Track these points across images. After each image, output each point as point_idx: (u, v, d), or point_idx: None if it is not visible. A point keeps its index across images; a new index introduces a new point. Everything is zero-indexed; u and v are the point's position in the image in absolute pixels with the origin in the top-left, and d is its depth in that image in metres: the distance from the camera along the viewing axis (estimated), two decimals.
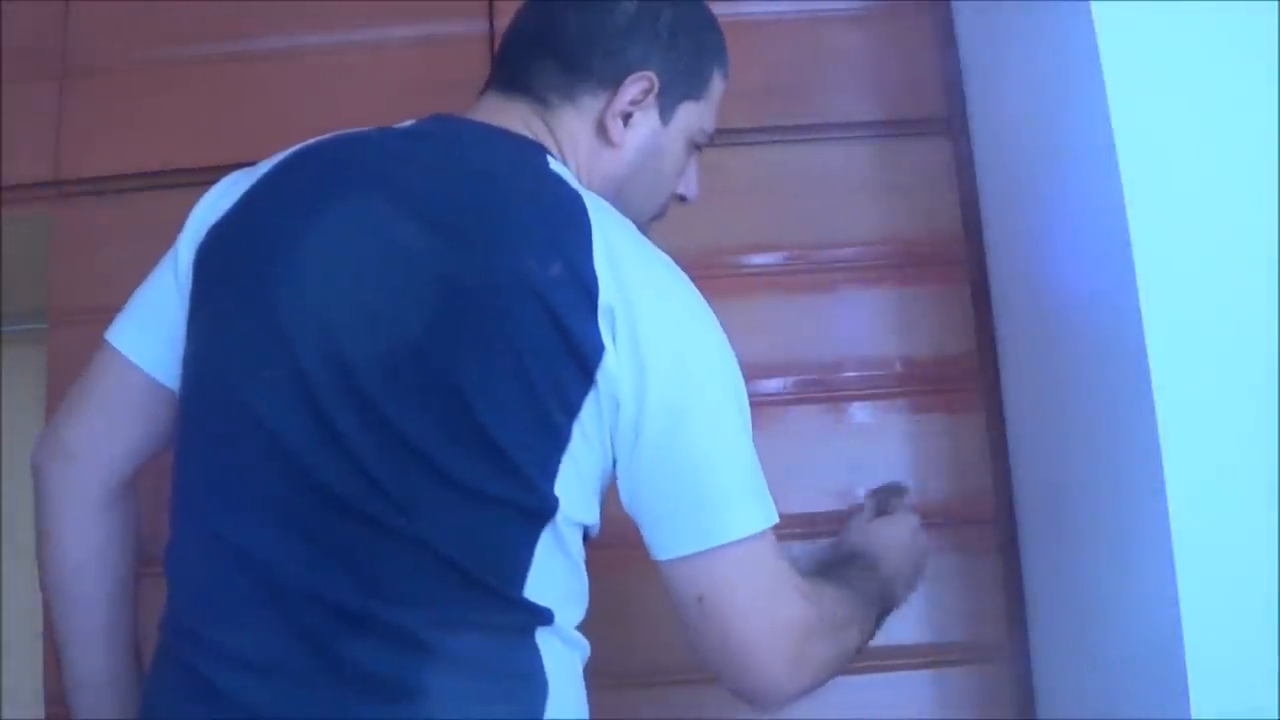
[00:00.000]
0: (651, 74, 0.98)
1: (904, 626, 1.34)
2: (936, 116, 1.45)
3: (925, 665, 1.35)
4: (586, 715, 0.90)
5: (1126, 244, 0.95)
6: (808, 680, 0.91)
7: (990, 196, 1.38)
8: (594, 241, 0.86)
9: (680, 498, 0.87)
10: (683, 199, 1.09)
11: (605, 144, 0.99)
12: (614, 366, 0.84)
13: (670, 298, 0.90)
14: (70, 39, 1.47)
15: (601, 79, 0.97)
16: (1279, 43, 0.95)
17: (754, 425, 1.41)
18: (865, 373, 1.41)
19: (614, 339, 0.84)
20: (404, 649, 0.82)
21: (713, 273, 1.42)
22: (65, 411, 0.99)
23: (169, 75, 1.45)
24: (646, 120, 1.00)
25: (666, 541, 0.88)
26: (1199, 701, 0.90)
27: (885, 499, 1.17)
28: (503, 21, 1.45)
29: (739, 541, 0.86)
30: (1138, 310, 0.94)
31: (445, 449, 0.84)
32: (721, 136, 1.45)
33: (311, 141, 0.98)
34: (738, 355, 1.38)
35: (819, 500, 1.37)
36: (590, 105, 0.98)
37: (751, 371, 1.38)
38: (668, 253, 0.96)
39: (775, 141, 1.45)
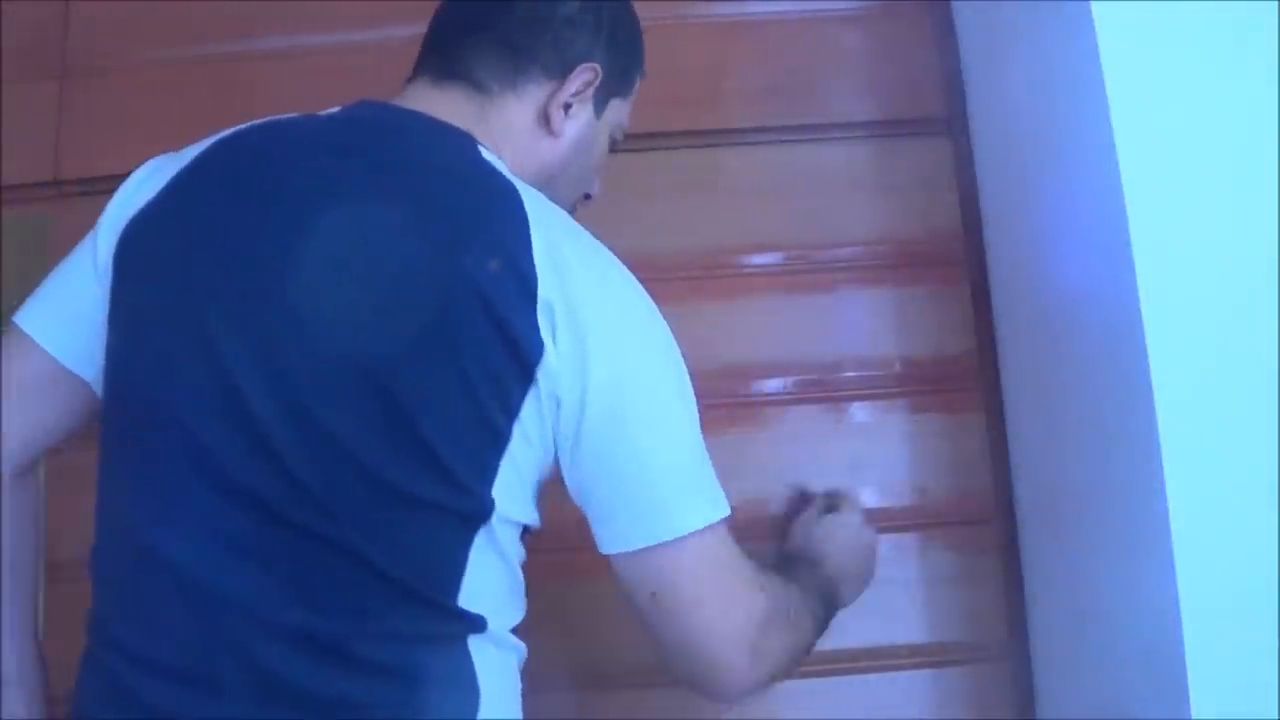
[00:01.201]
0: (596, 66, 0.98)
1: (904, 626, 1.35)
2: (936, 116, 1.45)
3: (925, 665, 1.35)
4: (519, 718, 0.89)
5: (1126, 244, 0.95)
6: (767, 671, 0.91)
7: (990, 196, 1.38)
8: (532, 235, 0.84)
9: (627, 493, 0.86)
10: (587, 197, 1.08)
11: (546, 133, 0.98)
12: (554, 363, 0.82)
13: (611, 292, 0.88)
14: (70, 39, 1.47)
15: (548, 68, 0.97)
16: (1279, 43, 0.95)
17: (754, 425, 1.42)
18: (865, 373, 1.41)
19: (554, 335, 0.83)
20: (329, 660, 0.81)
21: (713, 273, 1.44)
22: None
23: (169, 75, 1.45)
24: (583, 112, 1.00)
25: (615, 537, 0.87)
26: (1199, 701, 0.90)
27: (832, 500, 1.18)
28: None
29: (689, 536, 0.85)
30: (1138, 310, 0.94)
31: (378, 452, 0.82)
32: (722, 136, 1.46)
33: (236, 129, 0.95)
34: (738, 355, 1.39)
35: None
36: (534, 93, 0.97)
37: (751, 371, 1.40)
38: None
39: (775, 141, 1.45)
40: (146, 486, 0.87)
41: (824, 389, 1.40)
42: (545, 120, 0.97)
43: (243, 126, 0.95)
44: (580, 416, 0.84)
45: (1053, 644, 1.27)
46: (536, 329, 0.82)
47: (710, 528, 0.87)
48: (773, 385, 1.40)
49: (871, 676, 1.33)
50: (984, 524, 1.37)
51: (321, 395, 0.82)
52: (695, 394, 0.91)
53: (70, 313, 0.94)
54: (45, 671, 0.98)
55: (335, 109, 0.97)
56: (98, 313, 0.92)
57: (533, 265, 0.83)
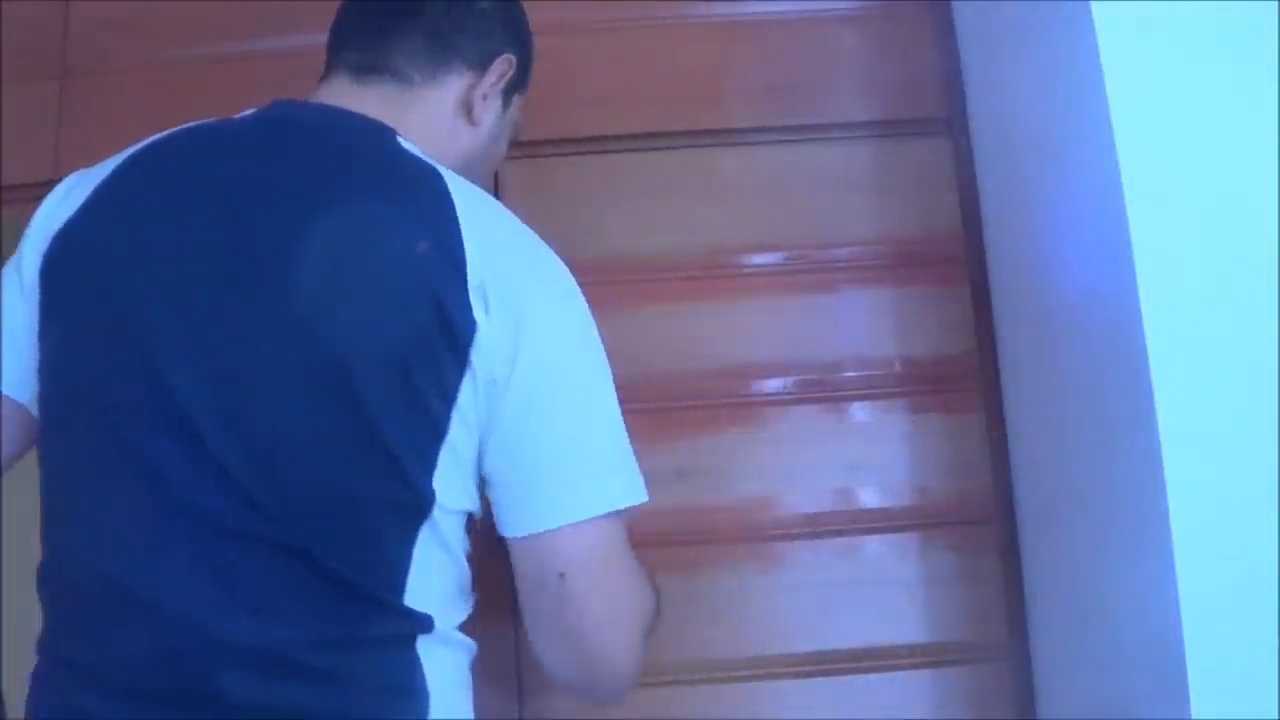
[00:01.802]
0: (512, 57, 1.01)
1: (904, 626, 1.35)
2: (936, 116, 1.45)
3: (925, 665, 1.35)
4: (470, 716, 0.89)
5: (1126, 244, 0.95)
6: (637, 666, 0.91)
7: (990, 196, 1.38)
8: (459, 216, 0.85)
9: (549, 469, 0.86)
10: None
11: (467, 122, 1.00)
12: (487, 340, 0.82)
13: (540, 272, 0.89)
14: (70, 39, 1.47)
15: (468, 59, 1.00)
16: (1279, 43, 0.95)
17: (754, 425, 1.42)
18: (865, 373, 1.41)
19: (487, 311, 0.83)
20: (278, 671, 0.81)
21: (713, 273, 1.44)
22: None
23: (169, 75, 1.45)
24: (495, 105, 1.02)
25: (529, 516, 0.86)
26: (1199, 701, 0.90)
27: None
28: None
29: (606, 516, 0.86)
30: (1138, 310, 0.94)
31: (325, 455, 0.82)
32: (722, 136, 1.46)
33: (154, 139, 0.95)
34: (738, 355, 1.39)
35: (819, 500, 1.37)
36: (455, 84, 0.99)
37: (751, 371, 1.40)
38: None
39: (775, 141, 1.45)
40: (89, 503, 0.86)
41: (824, 389, 1.40)
42: (466, 109, 1.00)
43: (160, 135, 0.95)
44: (505, 393, 0.84)
45: (1053, 644, 1.27)
46: (469, 307, 0.82)
47: (621, 513, 0.87)
48: (773, 385, 1.40)
49: (871, 676, 1.33)
50: (984, 524, 1.37)
51: (266, 402, 0.82)
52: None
53: (1, 339, 0.92)
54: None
55: (250, 111, 0.97)
56: (28, 336, 0.91)
57: (461, 245, 0.84)
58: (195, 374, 0.83)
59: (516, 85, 1.05)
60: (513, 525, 0.87)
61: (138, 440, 0.83)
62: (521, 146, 1.42)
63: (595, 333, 0.91)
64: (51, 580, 0.88)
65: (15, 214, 1.43)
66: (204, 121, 0.96)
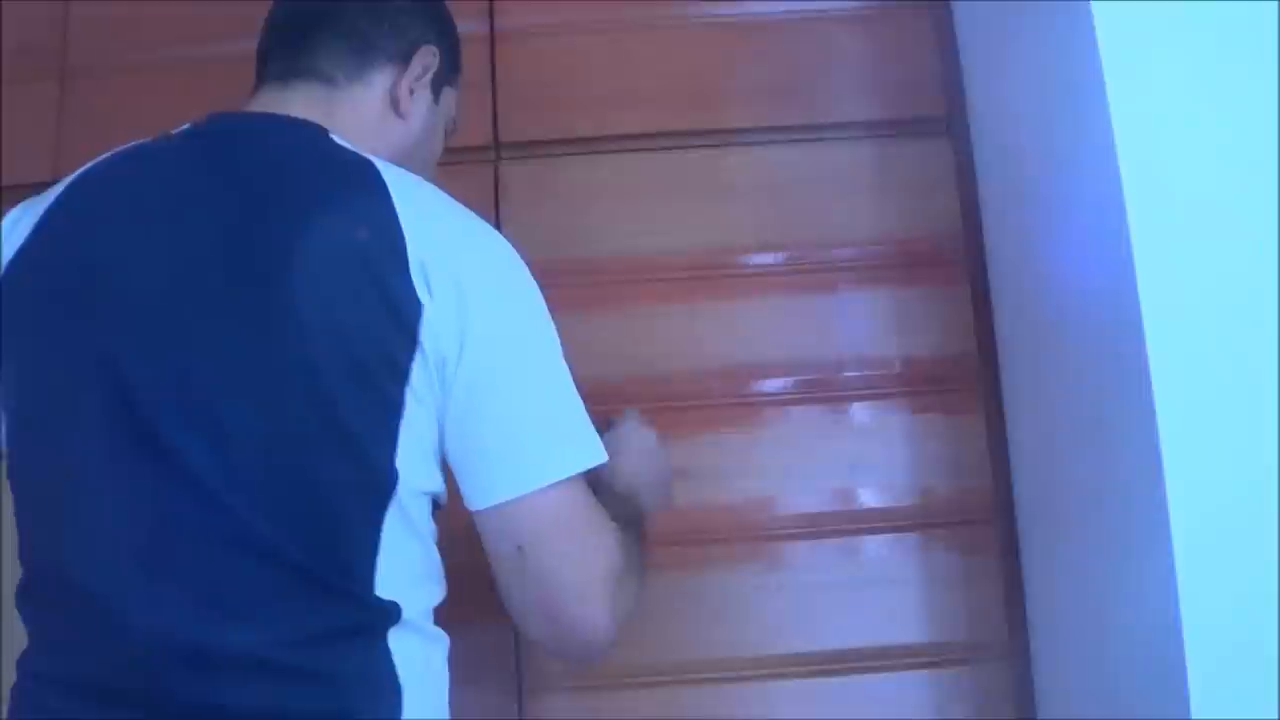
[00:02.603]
0: (435, 48, 1.02)
1: (904, 626, 1.35)
2: (936, 116, 1.45)
3: (925, 665, 1.35)
4: (445, 713, 0.90)
5: (1126, 244, 0.95)
6: (617, 624, 0.91)
7: (990, 196, 1.38)
8: (394, 200, 0.86)
9: (500, 443, 0.87)
10: None
11: (396, 117, 1.01)
12: (434, 319, 0.84)
13: (481, 247, 0.91)
14: (70, 39, 1.47)
15: (390, 54, 1.01)
16: (1279, 43, 0.95)
17: (754, 425, 1.42)
18: (865, 373, 1.41)
19: (430, 291, 0.84)
20: (248, 673, 0.81)
21: (713, 273, 1.44)
22: None
23: (169, 75, 1.45)
24: (424, 98, 1.03)
25: (484, 490, 0.87)
26: (1199, 701, 0.90)
27: (610, 418, 1.16)
28: (503, 22, 1.46)
29: (557, 484, 0.86)
30: (1138, 310, 0.94)
31: (287, 442, 0.83)
32: (722, 136, 1.46)
33: (95, 162, 0.97)
34: (738, 355, 1.39)
35: (819, 500, 1.37)
36: (380, 81, 1.00)
37: (751, 371, 1.40)
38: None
39: (775, 141, 1.45)
40: (59, 516, 0.87)
41: (824, 389, 1.40)
42: (394, 104, 1.01)
43: (100, 159, 0.97)
44: (456, 370, 0.85)
45: (1053, 644, 1.27)
46: (412, 288, 0.84)
47: (573, 478, 0.88)
48: (773, 385, 1.40)
49: (871, 676, 1.33)
50: (984, 524, 1.37)
51: (225, 398, 0.83)
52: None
53: None
54: None
55: (186, 125, 0.98)
56: None
57: (399, 227, 0.85)
58: (156, 376, 0.84)
59: (445, 77, 1.06)
60: (471, 500, 0.88)
61: (103, 448, 0.84)
62: (521, 146, 1.43)
63: (538, 301, 0.92)
64: (27, 595, 0.89)
65: None
66: (141, 141, 0.98)
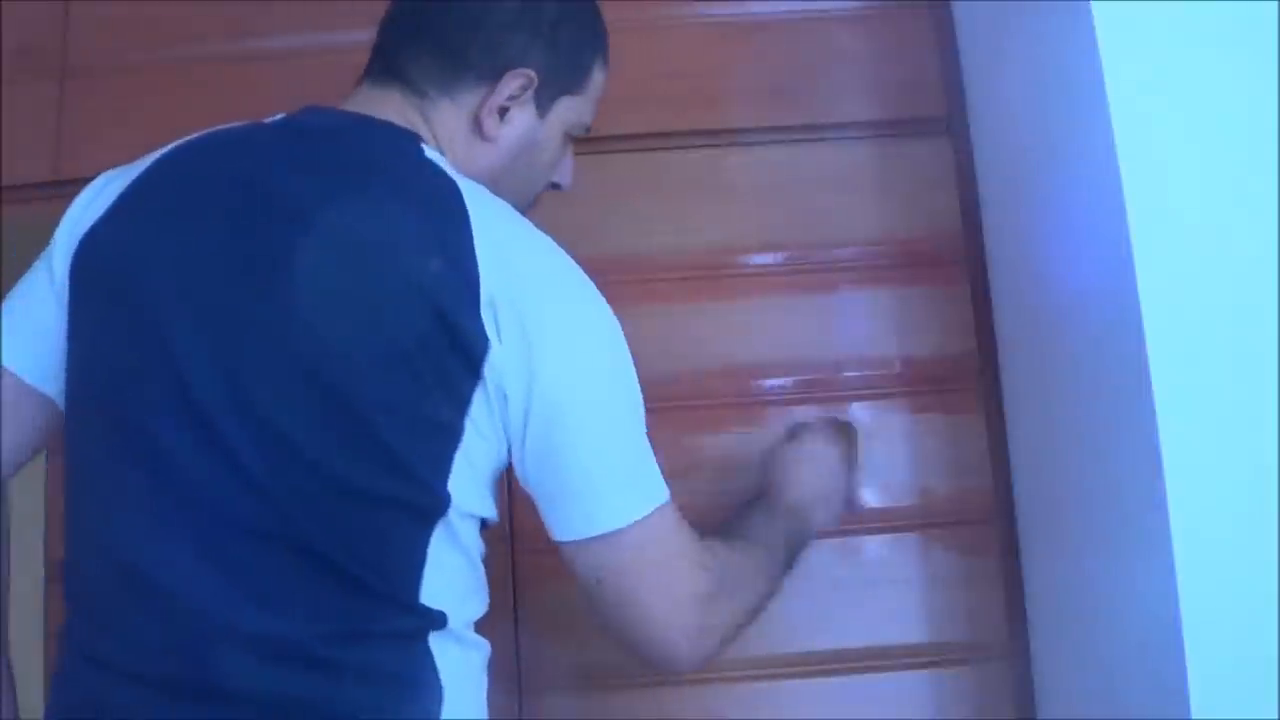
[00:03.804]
0: (530, 71, 0.97)
1: (904, 626, 1.35)
2: (936, 116, 1.45)
3: (925, 665, 1.35)
4: (485, 717, 0.90)
5: (1126, 244, 0.95)
6: (712, 647, 0.92)
7: (990, 196, 1.38)
8: (474, 232, 0.85)
9: (569, 487, 0.87)
10: (556, 187, 1.09)
11: (480, 138, 0.98)
12: (500, 360, 0.83)
13: (556, 286, 0.89)
14: (70, 39, 1.47)
15: (480, 74, 0.97)
16: (1279, 43, 0.95)
17: (754, 425, 1.41)
18: (865, 373, 1.41)
19: (499, 332, 0.83)
20: (291, 663, 0.82)
21: (713, 273, 1.44)
22: None
23: (169, 75, 1.45)
24: (523, 115, 0.99)
25: (560, 526, 0.88)
26: (1199, 701, 0.90)
27: (796, 428, 1.17)
28: None
29: (629, 526, 0.87)
30: (1138, 310, 0.94)
31: (334, 453, 0.83)
32: (722, 136, 1.46)
33: (183, 142, 0.96)
34: (738, 355, 1.39)
35: None
36: (467, 100, 0.97)
37: (751, 371, 1.40)
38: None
39: (775, 141, 1.45)
40: (111, 499, 0.88)
41: (824, 389, 1.40)
42: (478, 126, 0.97)
43: (190, 138, 0.96)
44: (527, 412, 0.85)
45: (1053, 644, 1.27)
46: (481, 325, 0.83)
47: (649, 515, 0.88)
48: (773, 385, 1.40)
49: (871, 676, 1.33)
50: (984, 524, 1.37)
51: (277, 399, 0.84)
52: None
53: (31, 331, 0.94)
54: (13, 687, 0.98)
55: (280, 115, 0.98)
56: (58, 330, 0.92)
57: (475, 262, 0.84)
58: (211, 373, 0.84)
59: (564, 88, 1.01)
60: (551, 530, 0.90)
61: (156, 435, 0.85)
62: None
63: (616, 343, 0.91)
64: (73, 574, 0.90)
65: (15, 214, 1.43)
66: (234, 125, 0.97)
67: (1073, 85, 1.04)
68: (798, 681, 1.33)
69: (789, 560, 1.04)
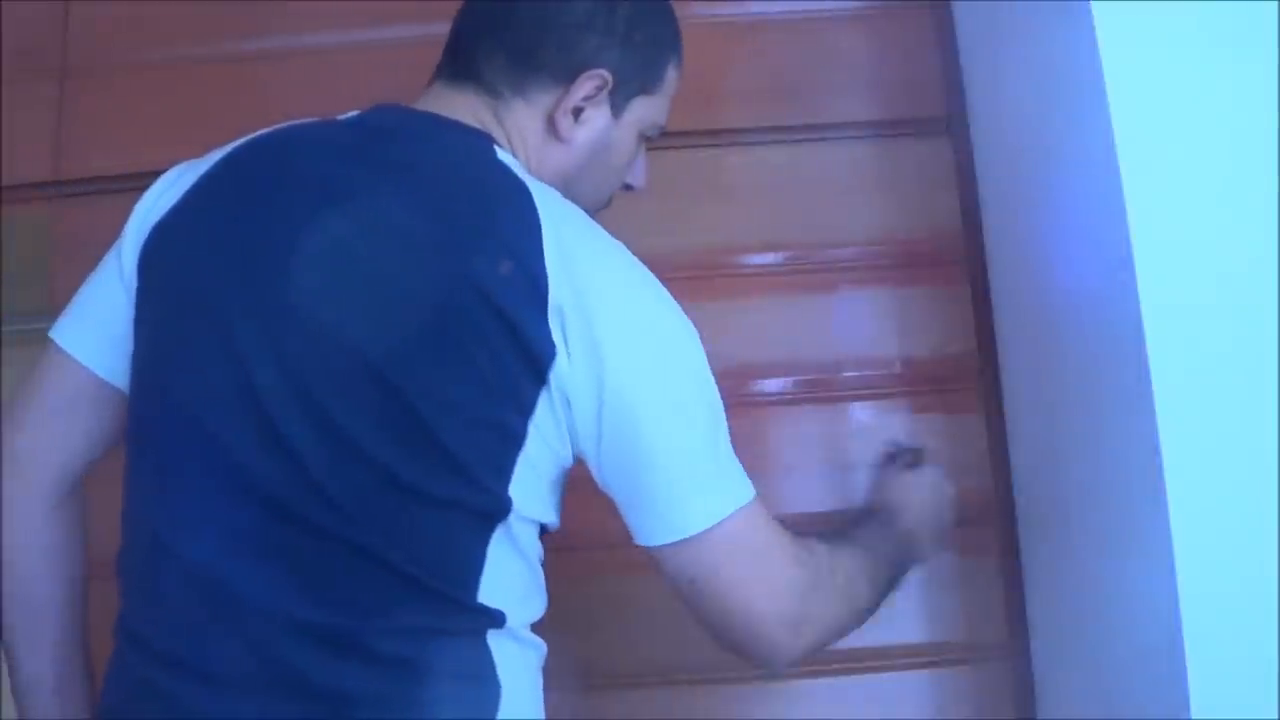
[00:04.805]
0: (605, 71, 0.96)
1: (904, 626, 1.35)
2: (936, 116, 1.45)
3: (925, 665, 1.35)
4: (540, 714, 0.90)
5: (1126, 244, 0.95)
6: (814, 638, 0.92)
7: (990, 196, 1.38)
8: (544, 236, 0.84)
9: (649, 492, 0.87)
10: (629, 188, 1.08)
11: (554, 139, 0.97)
12: (565, 367, 0.83)
13: (625, 293, 0.88)
14: (70, 39, 1.47)
15: (554, 74, 0.96)
16: (1279, 43, 0.95)
17: (755, 425, 1.41)
18: (865, 373, 1.41)
19: (565, 339, 0.83)
20: (348, 656, 0.82)
21: (713, 273, 1.44)
22: (11, 415, 0.97)
23: (169, 75, 1.45)
24: (598, 115, 0.98)
25: (645, 531, 0.88)
26: (1199, 701, 0.90)
27: (915, 455, 1.18)
28: None
29: (715, 527, 0.86)
30: (1138, 310, 0.94)
31: (394, 454, 0.83)
32: (722, 136, 1.46)
33: (254, 136, 0.96)
34: (738, 355, 1.38)
35: (819, 500, 1.37)
36: (541, 100, 0.96)
37: (751, 371, 1.40)
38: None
39: (775, 141, 1.45)
40: (171, 492, 0.88)
41: (824, 389, 1.40)
42: (553, 127, 0.97)
43: (262, 132, 0.96)
44: (599, 419, 0.85)
45: (1053, 644, 1.27)
46: (548, 332, 0.83)
47: (734, 515, 0.87)
48: (773, 385, 1.40)
49: (871, 676, 1.33)
50: (984, 524, 1.37)
51: (339, 397, 0.84)
52: None
53: (102, 325, 0.95)
54: (89, 682, 0.99)
55: (353, 113, 0.97)
56: (128, 323, 0.93)
57: (544, 267, 0.83)
58: (274, 369, 0.84)
59: (638, 88, 0.99)
60: (637, 537, 0.89)
61: (217, 429, 0.85)
62: None
63: (687, 345, 0.90)
64: (128, 564, 0.91)
65: (15, 214, 1.43)
66: (304, 121, 0.97)
67: (1073, 85, 1.04)
68: (798, 681, 1.33)
69: (893, 578, 1.03)
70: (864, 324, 1.42)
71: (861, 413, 1.40)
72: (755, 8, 1.48)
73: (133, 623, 0.89)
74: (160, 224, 0.92)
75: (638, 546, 0.90)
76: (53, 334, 0.97)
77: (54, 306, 1.47)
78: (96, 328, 0.96)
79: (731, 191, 1.43)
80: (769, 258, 1.43)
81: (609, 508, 0.90)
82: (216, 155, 0.95)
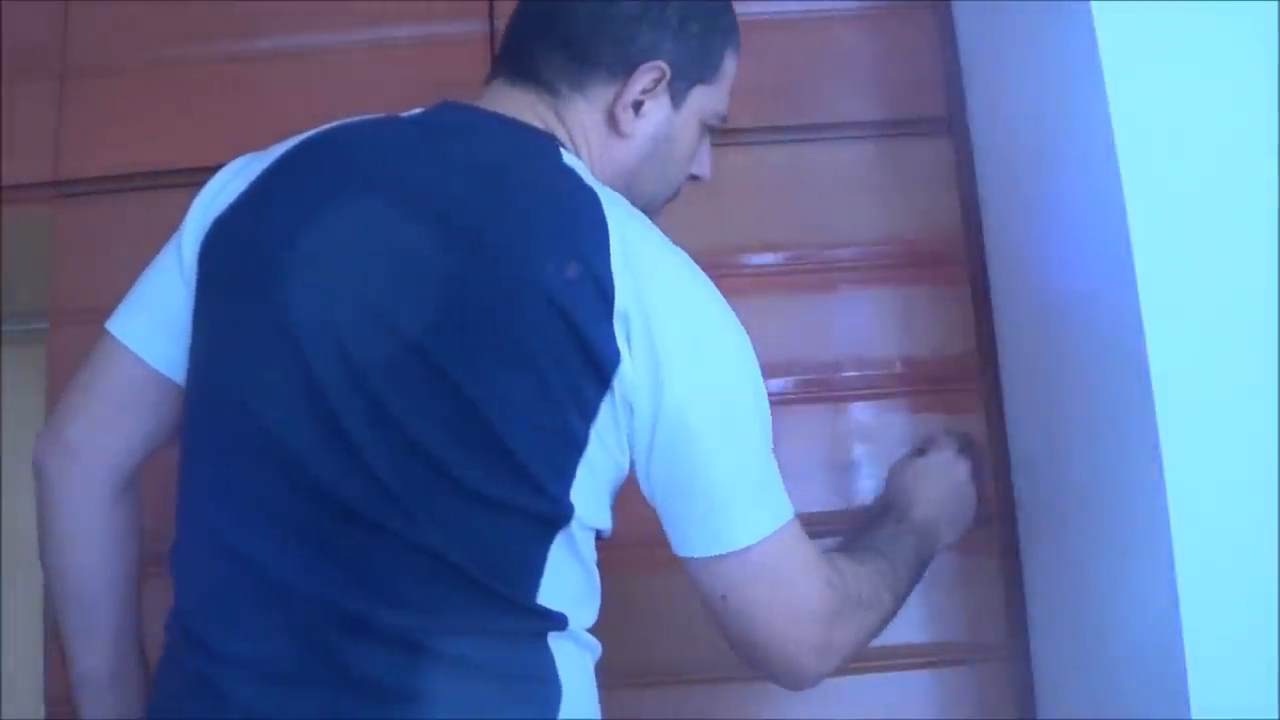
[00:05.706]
0: (662, 63, 0.96)
1: (904, 626, 1.34)
2: (936, 116, 1.45)
3: (925, 665, 1.35)
4: (598, 715, 0.90)
5: (1126, 244, 0.95)
6: (836, 661, 0.93)
7: (990, 196, 1.38)
8: (611, 243, 0.85)
9: (694, 503, 0.87)
10: (696, 178, 1.08)
11: (616, 134, 0.97)
12: (630, 373, 0.83)
13: (689, 303, 0.89)
14: (70, 39, 1.47)
15: (612, 69, 0.96)
16: (1279, 43, 0.95)
17: None
18: (865, 373, 1.41)
19: (630, 346, 0.83)
20: (408, 653, 0.82)
21: (713, 273, 1.42)
22: (66, 406, 0.97)
23: (169, 75, 1.45)
24: (658, 108, 0.98)
25: (685, 542, 0.88)
26: (1199, 701, 0.90)
27: (924, 443, 1.18)
28: (503, 22, 1.45)
29: (756, 544, 0.86)
30: (1138, 310, 0.94)
31: (456, 455, 0.83)
32: (722, 136, 1.45)
33: (319, 131, 0.96)
34: None
35: (819, 500, 1.37)
36: (600, 95, 0.96)
37: None
38: None
39: (775, 141, 1.45)
40: (227, 485, 0.88)
41: (824, 389, 1.40)
42: (614, 122, 0.97)
43: (326, 127, 0.96)
44: (654, 428, 0.85)
45: (1053, 644, 1.27)
46: (613, 338, 0.83)
47: (775, 533, 0.87)
48: (773, 385, 1.38)
49: (871, 676, 1.33)
50: (984, 524, 1.36)
51: (402, 398, 0.83)
52: None
53: (160, 317, 0.95)
54: (144, 677, 1.00)
55: (418, 110, 0.97)
56: (187, 315, 0.93)
57: (610, 274, 0.83)
58: (336, 368, 0.84)
59: (696, 78, 0.99)
60: (675, 547, 0.89)
61: (277, 426, 0.85)
62: None
63: (746, 360, 0.90)
64: (183, 559, 0.90)
65: (15, 214, 1.43)
66: (369, 117, 0.97)
67: (1073, 85, 1.04)
68: None
69: (914, 576, 1.03)
70: (864, 324, 1.42)
71: (861, 413, 1.40)
72: (755, 7, 1.48)
73: (186, 619, 0.88)
74: (221, 218, 0.92)
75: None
76: (109, 326, 0.96)
77: (54, 306, 1.48)
78: (154, 320, 0.95)
79: (731, 191, 1.43)
80: (769, 258, 1.43)
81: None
82: (279, 149, 0.95)
